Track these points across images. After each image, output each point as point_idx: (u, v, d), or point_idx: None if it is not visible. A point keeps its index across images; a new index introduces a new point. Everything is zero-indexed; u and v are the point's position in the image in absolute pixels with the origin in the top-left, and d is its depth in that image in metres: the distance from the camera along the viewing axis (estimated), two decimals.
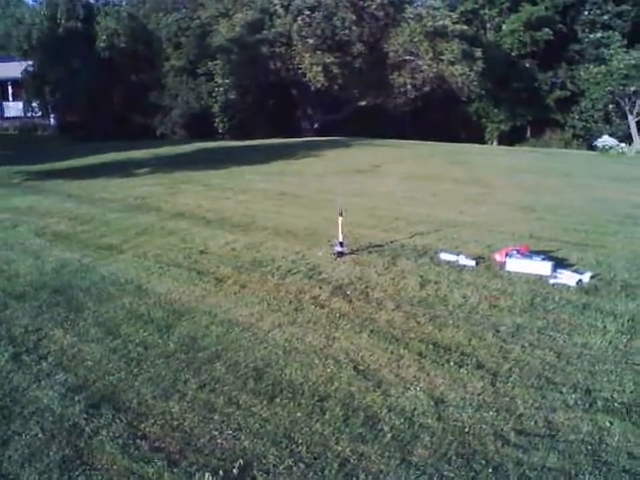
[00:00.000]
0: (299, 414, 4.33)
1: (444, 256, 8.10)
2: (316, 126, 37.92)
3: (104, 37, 33.90)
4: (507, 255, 7.82)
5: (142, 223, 10.53)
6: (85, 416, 4.31)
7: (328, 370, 4.96)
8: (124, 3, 38.78)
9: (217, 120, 34.25)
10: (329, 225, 8.93)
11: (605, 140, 27.72)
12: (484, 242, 8.97)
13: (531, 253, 7.90)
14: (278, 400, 4.51)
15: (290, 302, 6.50)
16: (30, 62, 35.01)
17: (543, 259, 7.64)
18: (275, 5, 34.34)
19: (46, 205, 12.37)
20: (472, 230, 9.86)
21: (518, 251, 7.92)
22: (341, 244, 8.17)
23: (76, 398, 4.54)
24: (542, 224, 10.49)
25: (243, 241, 9.16)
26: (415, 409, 4.39)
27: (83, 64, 32.08)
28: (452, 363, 5.06)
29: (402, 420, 4.25)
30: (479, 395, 4.58)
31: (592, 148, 30.02)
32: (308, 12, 33.27)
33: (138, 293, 6.83)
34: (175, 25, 35.10)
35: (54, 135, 36.07)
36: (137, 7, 38.01)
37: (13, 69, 36.28)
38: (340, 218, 8.23)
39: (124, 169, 17.97)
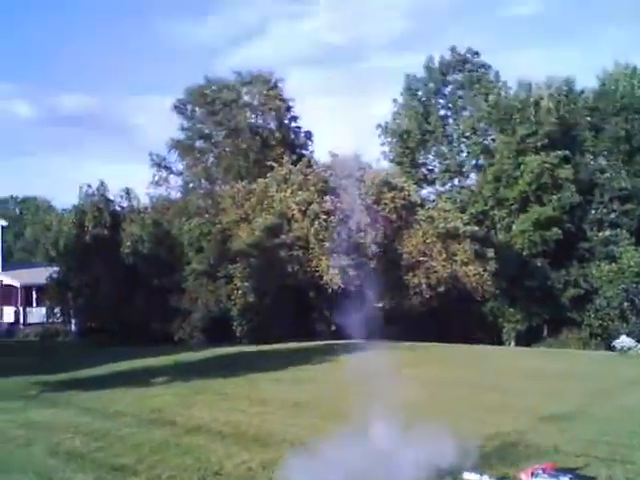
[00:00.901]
0: None
1: (467, 476, 7.83)
2: (333, 328, 38.06)
3: (129, 243, 34.94)
4: (533, 475, 7.55)
5: (157, 439, 10.38)
6: None
7: None
8: (149, 209, 40.37)
9: (235, 323, 34.42)
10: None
11: (623, 341, 27.56)
12: (507, 459, 8.70)
13: (557, 472, 7.62)
14: None
15: None
16: (55, 268, 36.03)
17: (570, 479, 7.38)
18: (293, 210, 35.75)
19: (62, 419, 12.28)
20: (494, 443, 9.58)
21: (544, 470, 7.65)
22: None
23: None
24: (565, 436, 10.22)
25: (259, 458, 8.95)
26: None
27: (107, 270, 33.01)
28: None
29: None
30: None
31: (610, 348, 29.73)
32: (324, 216, 34.60)
33: None
34: (197, 230, 36.31)
35: (74, 341, 36.33)
36: (161, 213, 39.51)
37: (38, 275, 37.42)
38: None
39: (141, 378, 17.91)
